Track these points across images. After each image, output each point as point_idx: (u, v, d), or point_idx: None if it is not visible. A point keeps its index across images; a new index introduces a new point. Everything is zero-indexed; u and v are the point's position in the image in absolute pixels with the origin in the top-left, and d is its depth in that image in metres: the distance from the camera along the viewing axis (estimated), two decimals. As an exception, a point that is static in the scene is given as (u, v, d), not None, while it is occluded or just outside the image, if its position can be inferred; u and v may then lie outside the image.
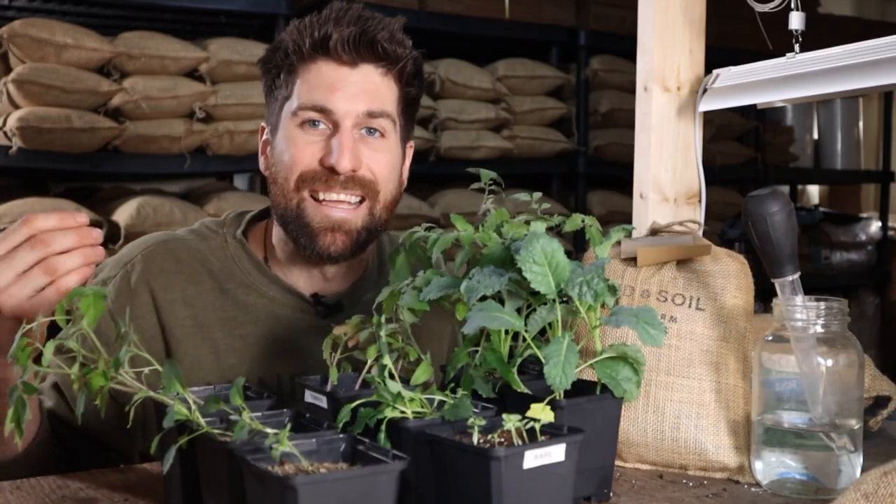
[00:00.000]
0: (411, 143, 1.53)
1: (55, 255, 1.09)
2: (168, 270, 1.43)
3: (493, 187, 1.21)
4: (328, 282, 1.48)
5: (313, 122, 1.39)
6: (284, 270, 1.48)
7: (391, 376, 1.01)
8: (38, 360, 0.99)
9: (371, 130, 1.40)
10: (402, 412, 0.99)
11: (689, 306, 1.28)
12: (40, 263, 1.09)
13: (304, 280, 1.48)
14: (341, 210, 1.39)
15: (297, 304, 1.46)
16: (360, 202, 1.40)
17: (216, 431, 0.94)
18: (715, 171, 3.99)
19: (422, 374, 1.05)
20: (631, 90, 1.64)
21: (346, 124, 1.38)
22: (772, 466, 1.17)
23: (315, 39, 1.38)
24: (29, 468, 1.22)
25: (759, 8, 1.36)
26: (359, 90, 1.39)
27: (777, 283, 1.18)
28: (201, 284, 1.44)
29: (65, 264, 1.09)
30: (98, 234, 1.12)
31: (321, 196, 1.38)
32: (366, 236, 1.42)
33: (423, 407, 1.00)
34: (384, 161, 1.41)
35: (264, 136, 1.49)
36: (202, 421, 0.94)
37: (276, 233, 1.47)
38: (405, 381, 1.04)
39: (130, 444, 1.39)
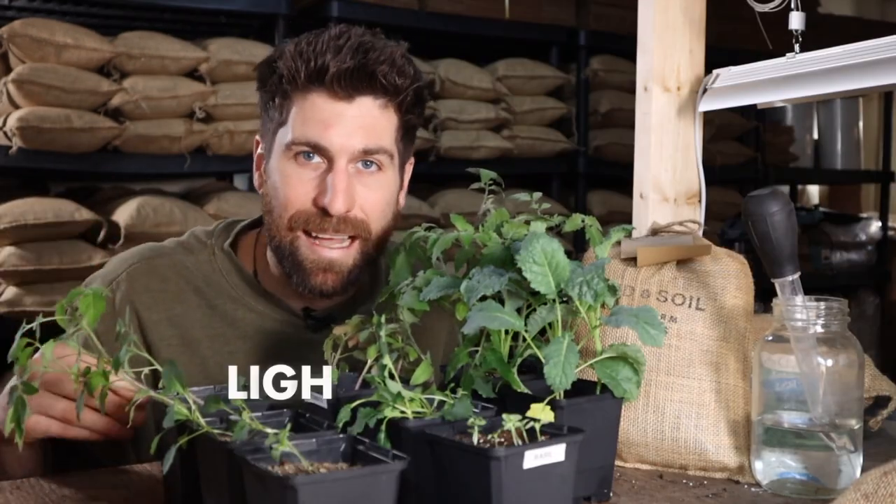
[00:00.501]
0: (411, 161, 1.50)
1: None
2: (153, 290, 1.42)
3: (493, 187, 1.21)
4: (321, 298, 1.46)
5: (308, 154, 1.35)
6: (276, 283, 1.46)
7: (391, 376, 1.01)
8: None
9: (367, 164, 1.37)
10: (402, 412, 0.99)
11: (689, 306, 1.28)
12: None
13: (296, 295, 1.45)
14: (334, 250, 1.37)
15: (287, 318, 1.45)
16: (352, 241, 1.38)
17: (216, 431, 0.94)
18: (715, 171, 3.99)
19: (422, 374, 1.05)
20: (631, 90, 1.64)
21: (341, 163, 1.34)
22: (772, 466, 1.17)
23: (311, 70, 1.33)
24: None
25: (759, 8, 1.36)
26: (356, 126, 1.34)
27: (777, 283, 1.18)
28: (187, 303, 1.43)
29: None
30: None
31: (314, 234, 1.36)
32: (357, 273, 1.40)
33: (423, 407, 1.00)
34: (377, 199, 1.38)
35: (259, 150, 1.46)
36: (202, 421, 0.94)
37: (271, 255, 1.45)
38: (405, 381, 1.04)
39: (120, 458, 1.38)
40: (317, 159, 1.35)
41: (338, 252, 1.37)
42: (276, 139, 1.39)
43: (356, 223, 1.36)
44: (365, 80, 1.33)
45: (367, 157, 1.36)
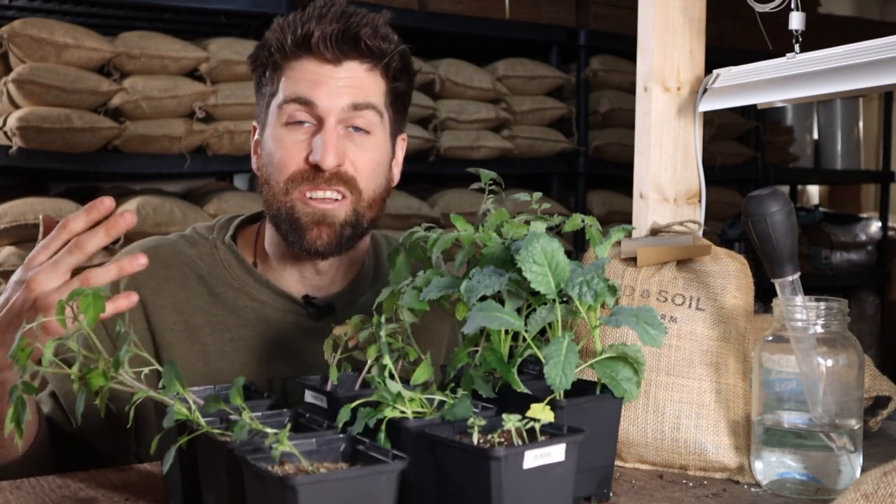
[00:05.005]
0: (404, 136, 1.53)
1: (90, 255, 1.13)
2: (158, 276, 1.43)
3: (493, 187, 1.21)
4: (322, 283, 1.48)
5: (299, 122, 1.39)
6: (276, 273, 1.48)
7: (391, 376, 1.01)
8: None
9: (357, 129, 1.40)
10: (402, 412, 0.99)
11: (689, 306, 1.28)
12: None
13: (296, 282, 1.48)
14: (326, 203, 1.39)
15: (288, 307, 1.46)
16: (343, 198, 1.40)
17: (216, 431, 0.94)
18: (715, 171, 4.00)
19: (422, 374, 1.05)
20: (631, 90, 1.65)
21: (330, 121, 1.38)
22: (772, 466, 1.17)
23: (297, 37, 1.38)
24: (27, 469, 1.23)
25: (759, 8, 1.36)
26: (343, 85, 1.39)
27: (777, 283, 1.18)
28: (191, 290, 1.44)
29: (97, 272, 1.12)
30: (129, 220, 1.14)
31: (309, 195, 1.39)
32: (350, 232, 1.41)
33: (423, 407, 1.00)
34: (367, 158, 1.41)
35: (255, 136, 1.50)
36: (202, 421, 0.94)
37: (269, 234, 1.48)
38: (405, 381, 1.04)
39: (123, 450, 1.39)
40: (308, 124, 1.39)
41: (330, 205, 1.39)
42: (270, 110, 1.43)
43: (346, 179, 1.39)
44: (349, 43, 1.38)
45: (355, 117, 1.39)
